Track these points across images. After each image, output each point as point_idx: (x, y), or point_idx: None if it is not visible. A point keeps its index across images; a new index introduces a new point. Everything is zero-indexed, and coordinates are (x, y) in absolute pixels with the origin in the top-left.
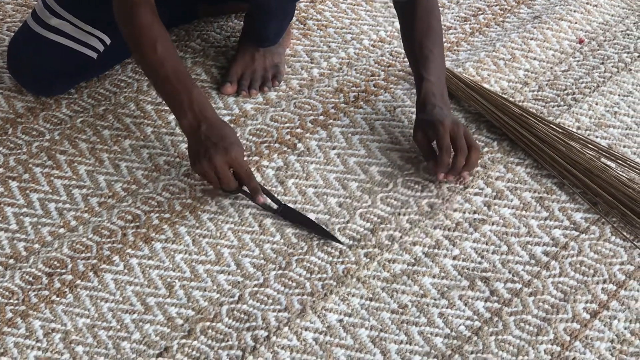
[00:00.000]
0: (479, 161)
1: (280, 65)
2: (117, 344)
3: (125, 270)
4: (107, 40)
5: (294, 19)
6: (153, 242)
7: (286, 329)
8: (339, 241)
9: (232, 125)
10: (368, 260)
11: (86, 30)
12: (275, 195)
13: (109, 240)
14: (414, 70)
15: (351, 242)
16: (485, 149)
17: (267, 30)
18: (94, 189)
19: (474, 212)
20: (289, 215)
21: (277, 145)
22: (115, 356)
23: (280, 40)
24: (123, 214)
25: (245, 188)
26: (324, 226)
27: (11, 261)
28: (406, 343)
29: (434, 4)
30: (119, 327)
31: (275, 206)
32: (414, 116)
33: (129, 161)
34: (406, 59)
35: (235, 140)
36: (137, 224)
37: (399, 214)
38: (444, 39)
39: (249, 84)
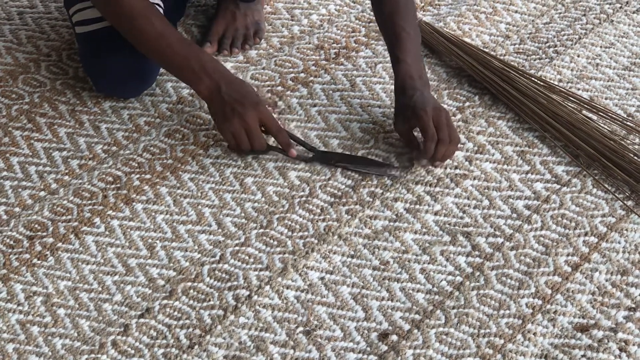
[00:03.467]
0: (461, 116)
1: (261, 23)
2: (98, 306)
3: (107, 232)
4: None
5: None
6: (134, 203)
7: (268, 287)
8: (392, 166)
9: None
10: (349, 217)
11: None
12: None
13: (89, 202)
14: (389, 50)
15: (332, 199)
16: (467, 104)
17: None
18: (74, 151)
19: (456, 167)
20: (326, 158)
21: None
22: (97, 318)
23: None
24: (104, 176)
25: (274, 144)
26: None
27: None
28: (388, 299)
29: None
30: (100, 289)
31: (309, 154)
32: None
33: (109, 122)
34: None
35: (259, 97)
36: (118, 185)
37: None
38: None
39: (230, 43)
